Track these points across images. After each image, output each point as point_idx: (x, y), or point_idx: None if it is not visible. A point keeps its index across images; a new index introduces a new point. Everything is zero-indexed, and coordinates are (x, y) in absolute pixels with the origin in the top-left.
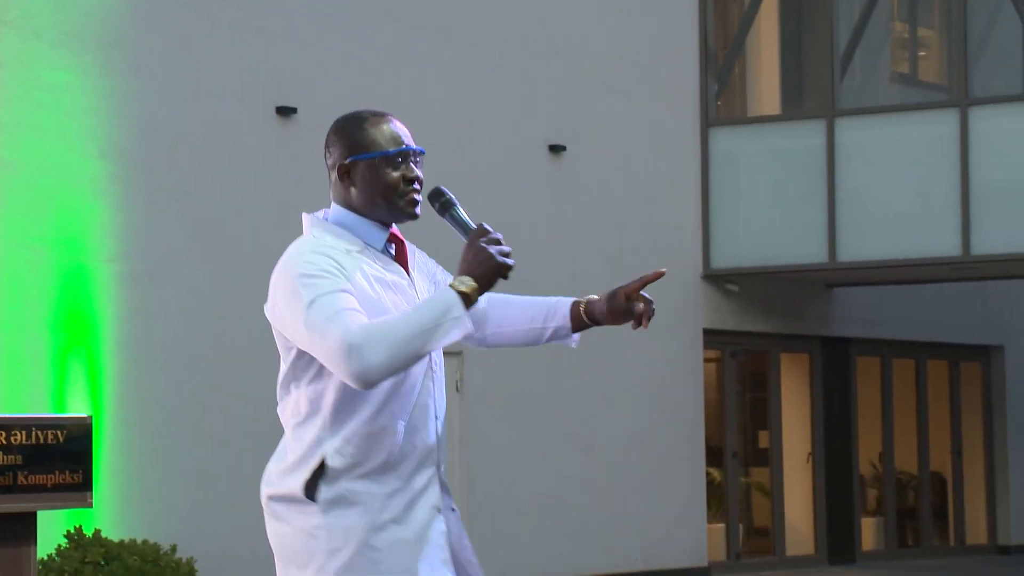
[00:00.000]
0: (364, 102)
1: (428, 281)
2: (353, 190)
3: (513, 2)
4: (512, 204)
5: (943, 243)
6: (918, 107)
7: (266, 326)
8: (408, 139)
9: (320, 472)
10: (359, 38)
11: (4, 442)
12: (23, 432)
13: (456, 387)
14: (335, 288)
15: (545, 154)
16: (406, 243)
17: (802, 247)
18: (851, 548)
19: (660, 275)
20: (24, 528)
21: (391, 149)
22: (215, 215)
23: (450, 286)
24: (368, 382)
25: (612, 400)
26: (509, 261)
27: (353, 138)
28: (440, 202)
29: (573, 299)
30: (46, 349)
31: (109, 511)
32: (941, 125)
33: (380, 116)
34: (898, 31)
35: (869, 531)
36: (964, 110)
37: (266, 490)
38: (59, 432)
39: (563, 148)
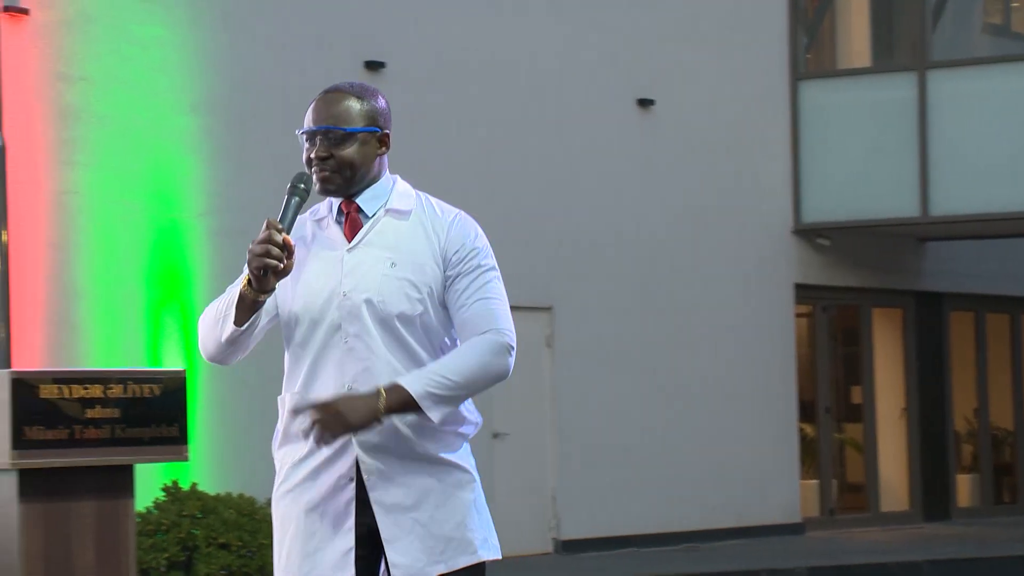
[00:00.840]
0: (451, 56)
1: (427, 251)
2: None
3: None
4: (600, 157)
5: None
6: (1011, 58)
7: None
8: (324, 119)
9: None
10: None
11: (102, 395)
12: (120, 386)
13: (546, 342)
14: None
15: (634, 108)
16: (363, 217)
17: (894, 201)
18: (946, 504)
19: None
20: (122, 481)
21: (298, 130)
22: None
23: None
24: (206, 357)
25: (703, 356)
26: (257, 261)
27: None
28: (291, 185)
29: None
30: (141, 303)
31: (205, 465)
32: None
33: (322, 95)
34: None
35: (964, 487)
36: None
37: None
38: (155, 386)
39: (652, 102)
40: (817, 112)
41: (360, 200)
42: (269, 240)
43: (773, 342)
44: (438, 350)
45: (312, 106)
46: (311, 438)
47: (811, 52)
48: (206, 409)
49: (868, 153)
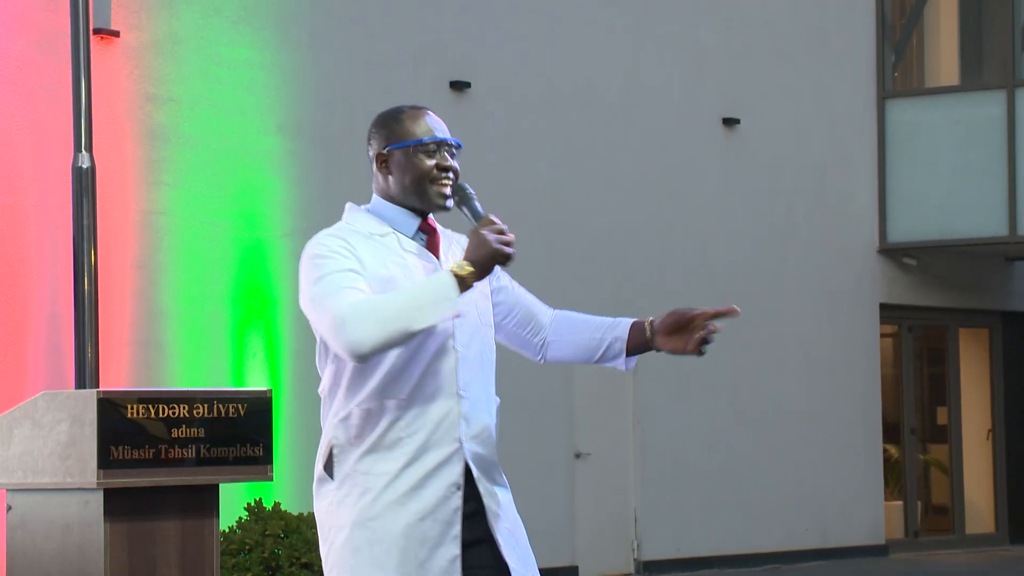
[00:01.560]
0: (536, 76)
1: (489, 283)
2: (390, 178)
3: None
4: (685, 176)
5: None
6: None
7: None
8: (444, 131)
9: (333, 448)
10: (531, 11)
11: (187, 415)
12: (205, 405)
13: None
14: (341, 267)
15: (718, 126)
16: (439, 232)
17: (982, 220)
18: None
19: (734, 312)
20: (207, 501)
21: (424, 137)
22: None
23: (451, 269)
24: (358, 355)
25: (787, 376)
26: (507, 249)
27: (391, 128)
28: (460, 195)
29: (634, 321)
30: (226, 323)
31: (288, 485)
32: None
33: (418, 109)
34: None
35: None
36: None
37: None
38: (240, 406)
39: (737, 121)
40: (904, 131)
41: (433, 219)
42: (506, 232)
43: (858, 362)
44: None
45: (423, 118)
46: (409, 449)
47: (898, 70)
48: (290, 429)
49: (955, 172)
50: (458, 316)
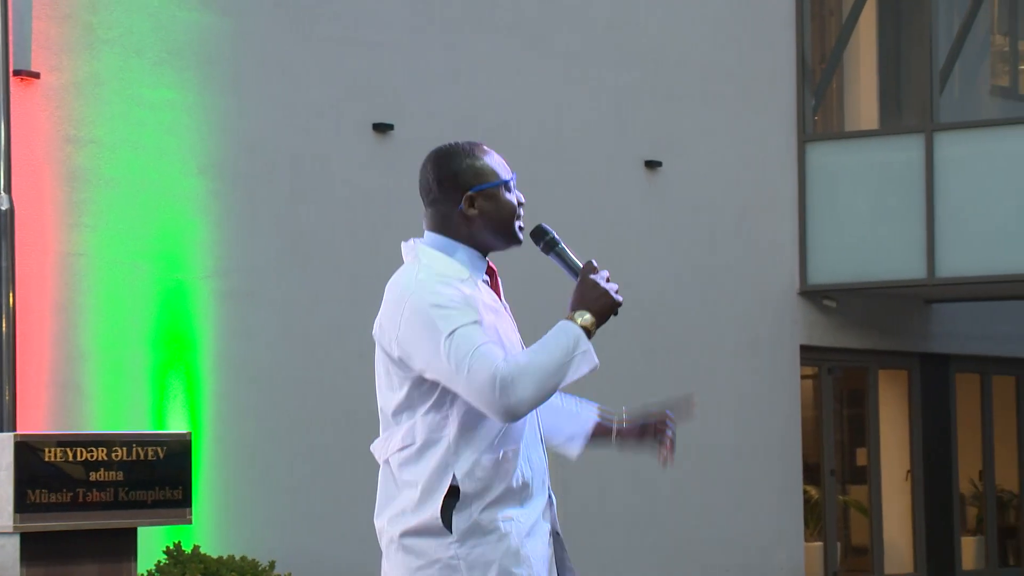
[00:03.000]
0: (460, 117)
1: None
2: (477, 220)
3: (609, 15)
4: (607, 219)
5: None
6: (1018, 121)
7: (363, 343)
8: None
9: (451, 500)
10: (455, 53)
11: (105, 458)
12: (123, 449)
13: None
14: (470, 320)
15: (641, 169)
16: (498, 275)
17: (900, 262)
18: (951, 567)
19: (692, 405)
20: (125, 544)
21: (507, 176)
22: (312, 232)
23: (569, 319)
24: (517, 416)
25: (709, 416)
26: (619, 298)
27: (470, 169)
28: (545, 240)
29: (599, 416)
30: (145, 365)
31: (208, 527)
32: None
33: (481, 146)
34: (998, 44)
35: (969, 550)
36: None
37: (393, 528)
38: (159, 448)
39: (659, 164)
40: (824, 174)
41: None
42: (609, 277)
43: (778, 404)
44: None
45: (493, 156)
46: (525, 495)
47: (819, 114)
48: (210, 471)
49: (875, 215)
50: (596, 369)
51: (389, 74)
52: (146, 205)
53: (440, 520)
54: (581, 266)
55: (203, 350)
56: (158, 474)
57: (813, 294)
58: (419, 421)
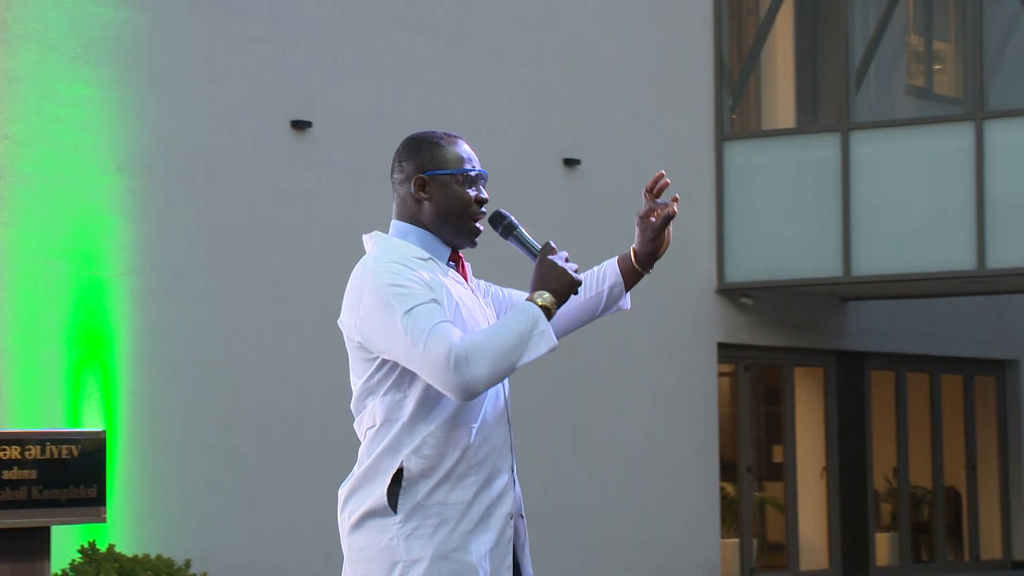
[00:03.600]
0: (379, 115)
1: (483, 296)
2: (425, 204)
3: (529, 14)
4: (526, 216)
5: (958, 257)
6: (933, 120)
7: (282, 340)
8: (478, 163)
9: (399, 479)
10: (374, 51)
11: (19, 457)
12: (38, 447)
13: None
14: (427, 299)
15: (559, 167)
16: (464, 260)
17: (817, 261)
18: (865, 563)
19: (664, 184)
20: (38, 543)
21: (466, 168)
22: (231, 229)
23: (529, 300)
24: (472, 394)
25: (625, 414)
26: (579, 276)
27: (429, 153)
28: (503, 225)
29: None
30: (61, 363)
31: (123, 526)
32: (956, 138)
33: (452, 136)
34: (913, 44)
35: (883, 546)
36: (979, 123)
37: (347, 507)
38: (73, 447)
39: (578, 162)
40: (741, 173)
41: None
42: (568, 257)
43: (695, 401)
44: None
45: (461, 147)
46: (480, 477)
47: (736, 113)
48: (125, 470)
49: (791, 213)
50: (555, 349)
51: (308, 71)
52: (62, 202)
53: (386, 499)
54: (540, 247)
55: (120, 348)
56: (72, 472)
57: (730, 292)
58: (379, 402)
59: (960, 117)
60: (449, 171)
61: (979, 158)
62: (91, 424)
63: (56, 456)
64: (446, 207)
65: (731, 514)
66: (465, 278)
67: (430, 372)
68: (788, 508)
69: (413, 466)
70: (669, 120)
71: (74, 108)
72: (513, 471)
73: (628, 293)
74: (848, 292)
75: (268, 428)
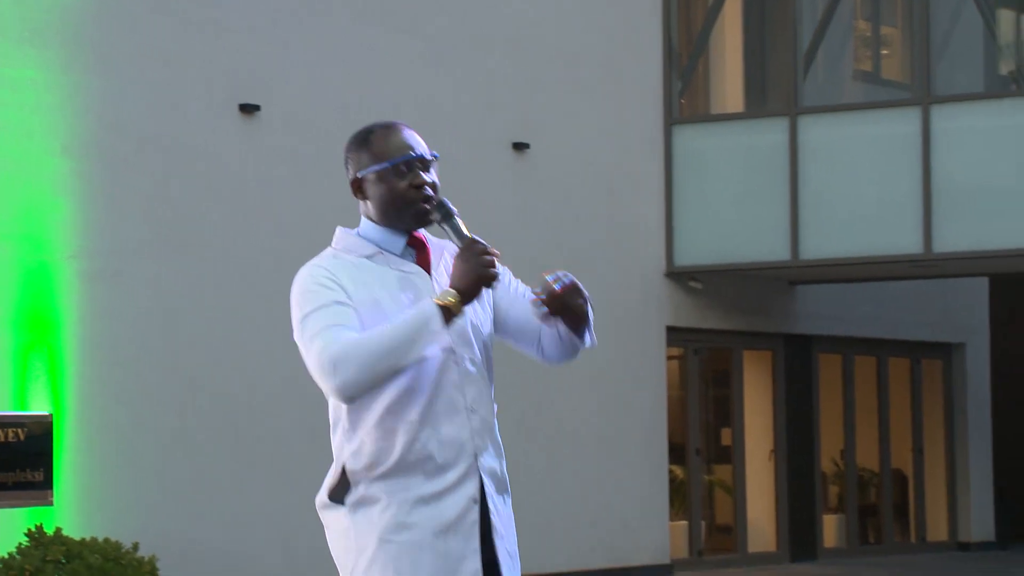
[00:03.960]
0: (327, 99)
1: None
2: (369, 203)
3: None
4: (475, 201)
5: (905, 241)
6: (881, 105)
7: (231, 325)
8: (416, 146)
9: (344, 476)
10: (322, 35)
11: None
12: None
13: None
14: (328, 301)
15: (508, 151)
16: (430, 244)
17: (765, 244)
18: (812, 545)
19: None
20: None
21: (396, 158)
22: (179, 212)
23: (435, 300)
24: (347, 397)
25: (575, 396)
26: (491, 271)
27: (360, 153)
28: (441, 212)
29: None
30: (7, 346)
31: (70, 509)
32: (904, 123)
33: (388, 127)
34: (861, 29)
35: (831, 528)
36: (926, 108)
37: (317, 502)
38: (19, 430)
39: (527, 146)
40: (690, 156)
41: (422, 232)
42: (489, 251)
43: (644, 384)
44: None
45: (392, 138)
46: (427, 468)
47: (685, 97)
48: (73, 453)
49: (740, 197)
50: (446, 347)
51: (256, 55)
52: (8, 185)
53: (336, 494)
54: (464, 242)
55: (67, 331)
56: (19, 456)
57: (679, 275)
58: (330, 405)
59: (907, 102)
60: (378, 167)
61: (926, 143)
62: (38, 407)
63: (2, 439)
64: (383, 202)
65: (680, 497)
66: (427, 263)
67: (315, 375)
68: (736, 491)
69: (355, 466)
70: (618, 104)
71: (20, 91)
72: (477, 458)
73: (588, 332)
74: (796, 276)
75: (216, 412)
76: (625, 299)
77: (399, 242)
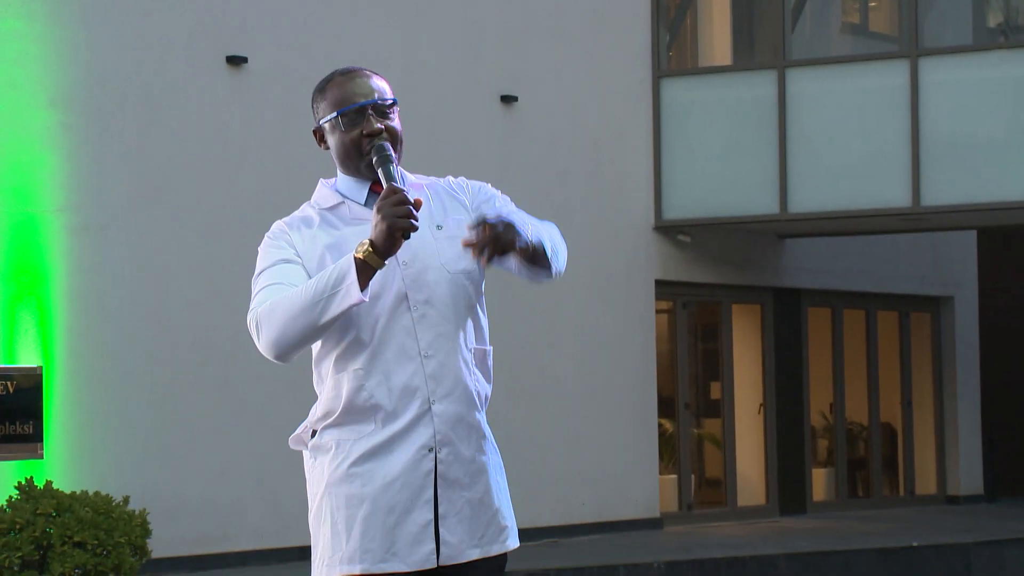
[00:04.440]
0: (314, 51)
1: (461, 209)
2: (331, 153)
3: None
4: (462, 154)
5: (894, 194)
6: (868, 58)
7: (218, 278)
8: (368, 93)
9: (311, 420)
10: None
11: None
12: None
13: None
14: (273, 260)
15: (496, 104)
16: (407, 186)
17: (753, 198)
18: (802, 498)
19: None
20: None
21: (346, 107)
22: (165, 165)
23: (354, 254)
24: (275, 356)
25: (563, 351)
26: (402, 220)
27: (319, 102)
28: (378, 155)
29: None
30: None
31: (60, 463)
32: (892, 76)
33: (345, 74)
34: None
35: (820, 481)
36: (914, 61)
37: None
38: (8, 383)
39: (515, 98)
40: (679, 109)
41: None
42: (405, 200)
43: (633, 338)
44: (482, 306)
45: (346, 86)
46: (376, 416)
47: (673, 50)
48: (62, 406)
49: (728, 151)
50: (363, 302)
51: (241, 7)
52: None
53: (296, 441)
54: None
55: (55, 284)
56: (8, 409)
57: (668, 229)
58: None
59: (895, 55)
60: (329, 118)
61: (914, 96)
62: (27, 360)
63: None
64: (337, 151)
65: (669, 450)
66: None
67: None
68: (726, 444)
69: (313, 414)
70: (606, 57)
71: (6, 43)
72: (431, 404)
73: (546, 265)
74: (785, 229)
75: (204, 364)
76: (613, 253)
77: (362, 191)
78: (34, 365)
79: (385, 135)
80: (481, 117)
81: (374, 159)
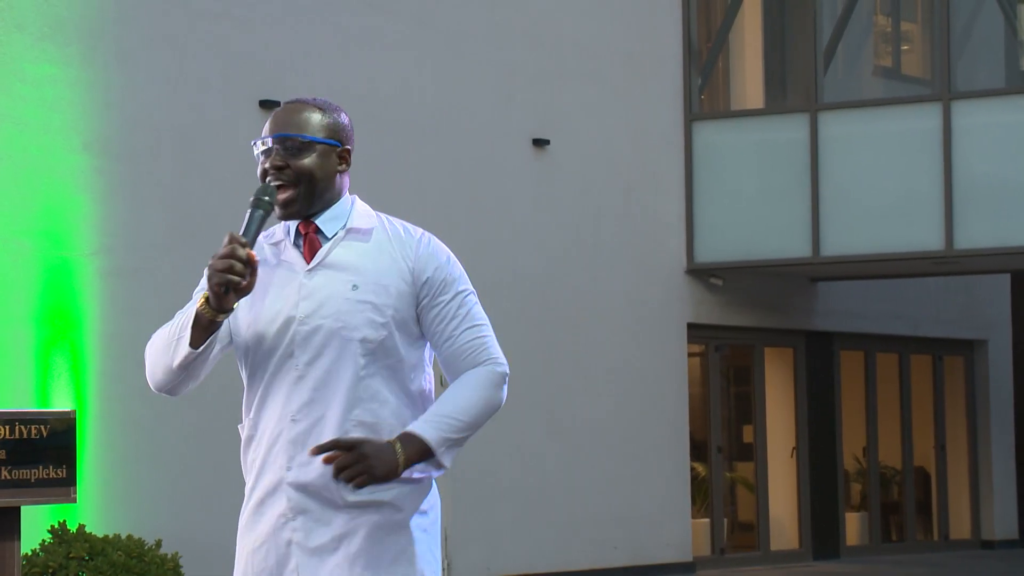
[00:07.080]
0: (346, 93)
1: (396, 274)
2: None
3: None
4: (495, 197)
5: (926, 237)
6: (901, 101)
7: None
8: (282, 127)
9: None
10: (341, 29)
11: None
12: (6, 427)
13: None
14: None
15: (528, 147)
16: (320, 235)
17: (786, 241)
18: (835, 542)
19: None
20: (8, 523)
21: (254, 141)
22: (199, 208)
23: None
24: (156, 390)
25: (596, 394)
26: (219, 276)
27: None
28: (253, 198)
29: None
30: (30, 343)
31: (93, 506)
32: (924, 119)
33: (284, 105)
34: (881, 25)
35: (853, 525)
36: (947, 104)
37: None
38: (43, 427)
39: (547, 142)
40: (711, 152)
41: (319, 221)
42: (232, 255)
43: (666, 381)
44: (397, 378)
45: (273, 117)
46: (253, 473)
47: (705, 93)
48: (95, 450)
49: (760, 193)
50: (198, 353)
51: (275, 50)
52: (29, 182)
53: None
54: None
55: (88, 328)
56: (42, 452)
57: (700, 272)
58: None
59: (928, 98)
60: (254, 141)
61: (947, 139)
62: (60, 404)
63: (25, 436)
64: None
65: (702, 494)
66: (307, 253)
67: None
68: (758, 488)
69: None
70: (638, 100)
71: (41, 87)
72: (289, 470)
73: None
74: (817, 272)
75: (237, 408)
76: (646, 296)
77: (292, 227)
78: (67, 409)
79: (275, 175)
80: (513, 160)
81: (251, 199)
